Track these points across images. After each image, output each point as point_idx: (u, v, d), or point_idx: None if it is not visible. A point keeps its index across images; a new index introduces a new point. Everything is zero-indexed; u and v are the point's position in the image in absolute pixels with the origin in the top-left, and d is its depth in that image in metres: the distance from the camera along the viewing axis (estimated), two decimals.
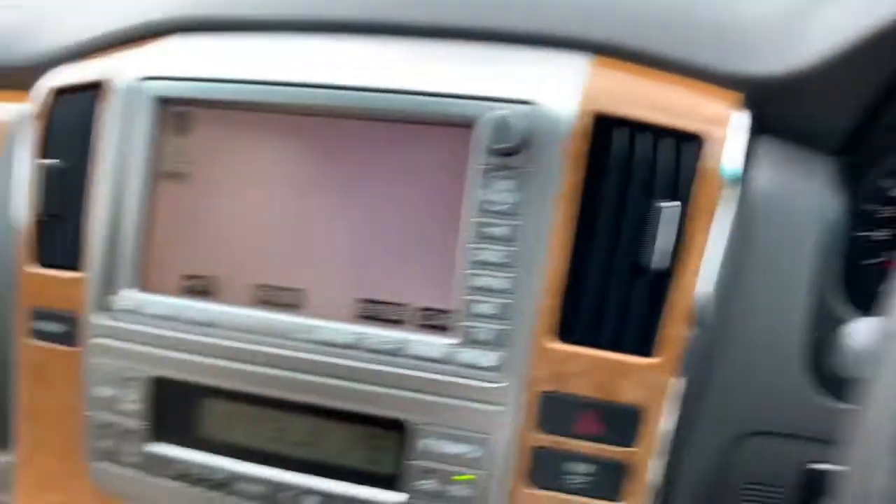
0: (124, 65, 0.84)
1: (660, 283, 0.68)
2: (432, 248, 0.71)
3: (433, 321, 0.71)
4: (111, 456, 0.80)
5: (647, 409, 0.67)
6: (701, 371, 0.68)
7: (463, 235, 0.70)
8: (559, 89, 0.70)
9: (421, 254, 0.72)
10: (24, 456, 0.89)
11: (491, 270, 0.69)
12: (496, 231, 0.69)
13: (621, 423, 0.68)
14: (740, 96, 0.72)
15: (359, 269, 0.74)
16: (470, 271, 0.69)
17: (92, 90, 0.86)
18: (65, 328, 0.83)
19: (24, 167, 0.88)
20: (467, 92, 0.71)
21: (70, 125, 0.86)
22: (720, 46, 0.75)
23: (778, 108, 0.73)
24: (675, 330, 0.67)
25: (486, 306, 0.69)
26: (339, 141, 0.74)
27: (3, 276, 0.90)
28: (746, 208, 0.69)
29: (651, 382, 0.67)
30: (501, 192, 0.69)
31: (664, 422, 0.67)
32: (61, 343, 0.83)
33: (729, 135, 0.68)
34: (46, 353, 0.84)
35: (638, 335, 0.68)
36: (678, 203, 0.67)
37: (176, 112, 0.80)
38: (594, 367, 0.68)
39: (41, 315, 0.84)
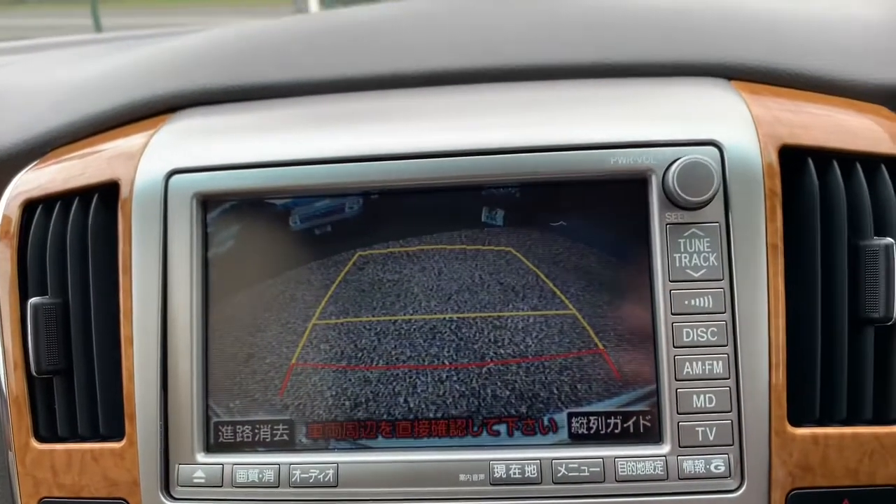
0: (125, 159, 0.63)
1: (888, 336, 0.58)
2: (619, 333, 0.57)
3: (637, 427, 0.57)
4: None
5: None
6: None
7: (660, 311, 0.56)
8: (734, 124, 0.59)
9: (607, 343, 0.57)
10: None
11: (702, 352, 0.56)
12: (701, 302, 0.56)
13: None
14: (885, 109, 0.65)
15: (520, 373, 0.58)
16: (677, 356, 0.56)
17: (82, 196, 0.64)
18: None
19: (4, 309, 0.64)
20: (632, 139, 0.58)
21: (58, 245, 0.64)
22: (854, 57, 0.67)
23: None
24: None
25: (704, 398, 0.56)
26: (470, 215, 0.59)
27: None
28: None
29: None
30: (697, 253, 0.56)
31: None
32: None
33: None
34: None
35: (877, 401, 0.57)
36: (891, 239, 0.57)
37: (224, 211, 0.61)
38: (843, 450, 0.56)
39: None
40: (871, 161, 0.59)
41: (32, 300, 0.62)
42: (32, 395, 0.63)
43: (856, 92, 0.66)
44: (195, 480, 0.58)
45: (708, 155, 0.56)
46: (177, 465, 0.59)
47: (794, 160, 0.59)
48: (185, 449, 0.59)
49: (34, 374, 0.62)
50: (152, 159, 0.63)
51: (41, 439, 0.62)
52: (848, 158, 0.59)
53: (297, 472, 0.57)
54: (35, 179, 0.67)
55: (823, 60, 0.67)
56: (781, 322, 0.56)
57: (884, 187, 0.59)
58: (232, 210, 0.61)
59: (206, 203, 0.61)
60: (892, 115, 0.64)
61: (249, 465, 0.58)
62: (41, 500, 0.61)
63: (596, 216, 0.58)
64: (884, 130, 0.61)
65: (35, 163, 0.70)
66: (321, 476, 0.57)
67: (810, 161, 0.58)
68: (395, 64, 0.67)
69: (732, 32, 0.67)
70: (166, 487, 0.59)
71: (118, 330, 0.61)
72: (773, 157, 0.58)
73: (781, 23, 0.69)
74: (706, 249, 0.56)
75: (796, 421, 0.56)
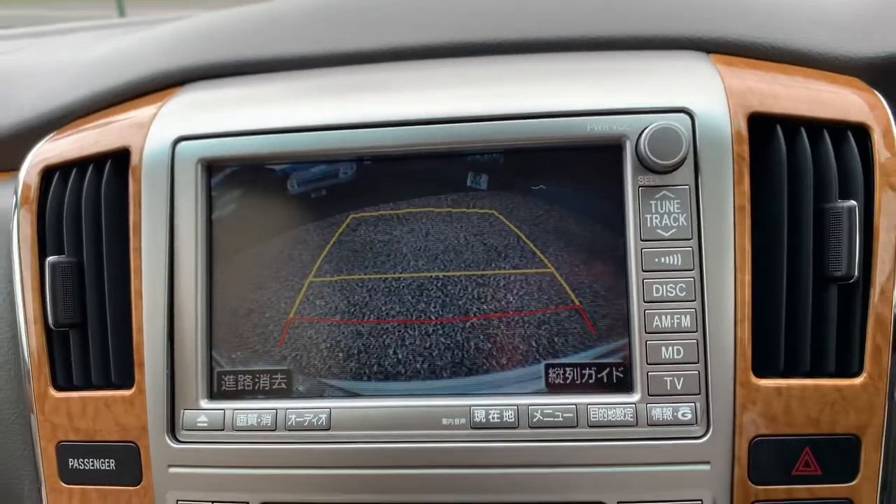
0: (135, 128, 0.68)
1: (851, 294, 0.60)
2: (595, 290, 0.61)
3: (610, 377, 0.60)
4: None
5: (864, 435, 0.59)
6: None
7: (632, 269, 0.60)
8: (706, 92, 0.62)
9: (583, 299, 0.61)
10: None
11: (671, 306, 0.59)
12: (670, 259, 0.59)
13: (841, 456, 0.59)
14: (858, 80, 0.67)
15: (501, 327, 0.62)
16: (647, 310, 0.59)
17: (97, 163, 0.69)
18: (118, 463, 0.64)
19: (25, 267, 0.69)
20: (607, 106, 0.61)
21: (74, 208, 0.68)
22: (830, 31, 0.70)
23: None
24: (878, 343, 0.59)
25: (672, 350, 0.59)
26: (456, 180, 0.63)
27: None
28: None
29: (865, 405, 0.59)
30: (668, 214, 0.60)
31: (882, 446, 0.60)
32: (116, 483, 0.65)
33: (891, 122, 0.62)
34: (95, 499, 0.65)
35: (840, 355, 0.60)
36: (854, 202, 0.60)
37: (227, 175, 0.65)
38: (805, 400, 0.59)
39: (76, 451, 0.66)
40: (839, 129, 0.62)
41: (50, 259, 0.67)
42: (50, 347, 0.68)
43: (831, 64, 0.69)
44: (199, 424, 0.63)
45: (679, 121, 0.60)
46: (182, 411, 0.63)
47: (766, 128, 0.62)
48: (190, 396, 0.63)
49: (52, 327, 0.67)
50: (161, 128, 0.67)
51: (58, 388, 0.67)
52: (816, 126, 0.62)
53: (293, 417, 0.62)
54: (53, 149, 0.71)
55: (800, 35, 0.69)
56: (747, 278, 0.59)
57: (849, 153, 0.61)
58: (234, 175, 0.65)
59: (211, 168, 0.65)
60: (864, 86, 0.66)
61: (249, 411, 0.62)
62: (59, 443, 0.66)
63: (574, 180, 0.62)
64: (853, 100, 0.63)
65: (53, 133, 0.74)
66: (315, 420, 0.61)
67: (779, 128, 0.61)
68: (386, 39, 0.71)
69: (713, 8, 0.70)
70: (172, 431, 0.63)
71: (129, 286, 0.65)
72: (742, 125, 0.61)
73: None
74: (676, 210, 0.60)
75: (762, 373, 0.60)
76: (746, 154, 0.60)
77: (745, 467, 0.59)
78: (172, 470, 0.63)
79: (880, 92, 0.65)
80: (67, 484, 0.66)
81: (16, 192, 0.71)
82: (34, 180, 0.70)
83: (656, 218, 0.60)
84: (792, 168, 0.61)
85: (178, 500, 0.63)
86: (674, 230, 0.60)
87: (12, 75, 0.85)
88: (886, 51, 0.68)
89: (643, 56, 0.68)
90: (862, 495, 0.59)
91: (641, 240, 0.60)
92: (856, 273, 0.59)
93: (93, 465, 0.65)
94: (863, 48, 0.68)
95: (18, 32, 1.26)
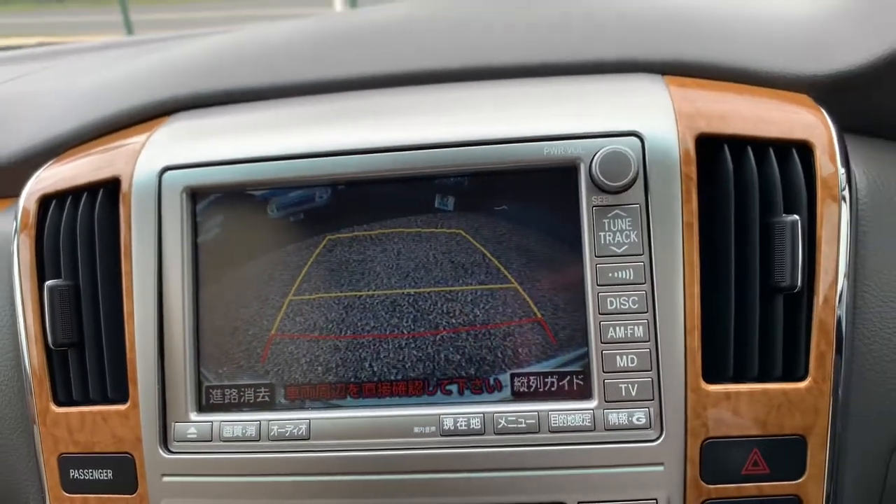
0: (125, 157, 0.72)
1: (796, 303, 0.64)
2: (555, 303, 0.65)
3: (571, 385, 0.64)
4: None
5: (810, 435, 0.63)
6: (848, 383, 0.65)
7: (588, 283, 0.64)
8: (654, 115, 0.66)
9: (545, 312, 0.65)
10: None
11: (625, 318, 0.63)
12: (623, 274, 0.63)
13: (788, 455, 0.63)
14: (807, 98, 0.71)
15: (469, 340, 0.66)
16: (602, 322, 0.63)
17: (90, 191, 0.73)
18: (115, 473, 0.69)
19: (25, 290, 0.73)
20: (562, 132, 0.65)
21: (70, 234, 0.73)
22: (779, 51, 0.74)
23: (845, 104, 0.71)
24: (822, 348, 0.63)
25: (626, 359, 0.63)
26: (424, 202, 0.67)
27: (4, 423, 0.76)
28: (856, 211, 0.67)
29: (810, 407, 0.63)
30: (620, 232, 0.64)
31: (827, 446, 0.63)
32: (114, 491, 0.69)
33: (833, 138, 0.66)
34: None
35: (786, 361, 0.64)
36: (797, 216, 0.63)
37: (210, 202, 0.69)
38: (753, 403, 0.63)
39: (76, 462, 0.70)
40: (784, 146, 0.66)
41: (49, 283, 0.71)
42: (50, 365, 0.72)
43: (781, 83, 0.72)
44: (189, 436, 0.67)
45: (629, 145, 0.63)
46: (173, 424, 0.68)
47: (715, 146, 0.66)
48: (180, 409, 0.68)
49: (51, 346, 0.71)
50: (148, 158, 0.71)
51: (59, 403, 0.72)
52: (762, 144, 0.66)
53: (275, 427, 0.66)
54: (50, 177, 0.76)
55: (751, 55, 0.73)
56: (696, 291, 0.63)
57: (793, 169, 0.65)
58: (217, 201, 0.70)
59: (195, 195, 0.70)
60: (811, 103, 0.70)
61: (235, 422, 0.67)
62: (60, 455, 0.71)
63: (533, 200, 0.66)
64: (797, 118, 0.67)
65: (51, 161, 0.79)
66: (295, 430, 0.66)
67: (726, 148, 0.65)
68: (358, 68, 0.75)
69: (667, 31, 0.74)
70: (164, 442, 0.68)
71: (121, 307, 0.70)
72: (690, 146, 0.65)
73: (714, 22, 0.75)
74: (628, 228, 0.64)
75: (712, 379, 0.63)
76: (694, 174, 0.64)
77: (698, 467, 0.63)
78: (166, 479, 0.67)
79: (827, 108, 0.69)
80: (69, 493, 0.71)
81: (16, 219, 0.76)
82: (32, 207, 0.75)
83: (609, 235, 0.64)
84: (739, 184, 0.65)
85: None
86: (626, 246, 0.63)
87: (11, 104, 0.90)
88: (833, 69, 0.71)
89: (600, 80, 0.72)
90: (808, 492, 0.63)
91: (596, 256, 0.64)
92: (799, 283, 0.63)
93: (92, 475, 0.70)
94: (810, 67, 0.72)
95: (20, 55, 1.31)
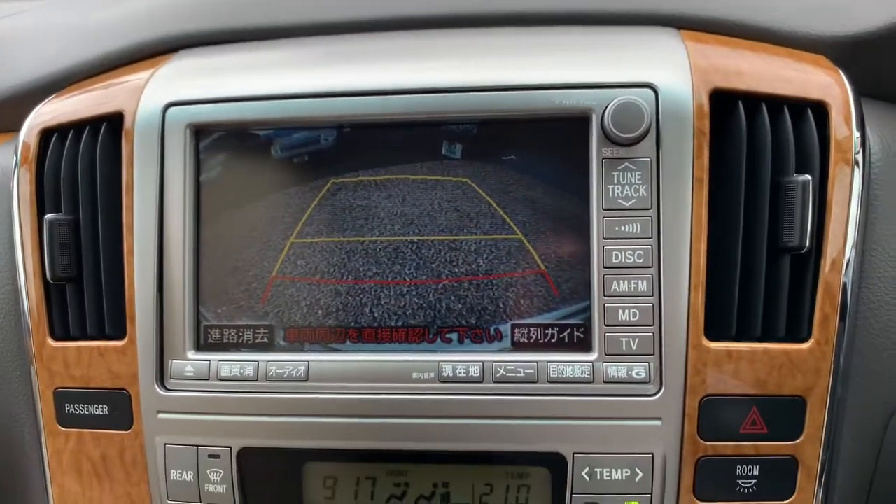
0: (129, 93, 0.71)
1: (803, 264, 0.64)
2: (559, 255, 0.64)
3: (571, 338, 0.64)
4: None
5: (809, 396, 0.63)
6: (850, 347, 0.64)
7: (593, 236, 0.63)
8: (670, 68, 0.65)
9: (549, 264, 0.64)
10: None
11: (629, 272, 0.63)
12: (630, 228, 0.63)
13: (787, 416, 0.63)
14: (824, 59, 0.70)
15: (471, 289, 0.65)
16: (606, 275, 0.63)
17: (92, 125, 0.72)
18: (111, 408, 0.69)
19: (24, 224, 0.73)
20: (576, 80, 0.64)
21: (71, 169, 0.72)
22: (799, 10, 0.72)
23: (863, 67, 0.70)
24: (826, 310, 0.63)
25: (629, 313, 0.63)
26: (432, 148, 0.66)
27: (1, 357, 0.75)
28: (868, 175, 0.66)
29: (812, 368, 0.63)
30: (629, 185, 0.63)
31: (826, 408, 0.63)
32: (109, 427, 0.69)
33: (850, 100, 0.65)
34: (89, 442, 0.70)
35: (790, 321, 0.64)
36: (808, 176, 0.63)
37: (214, 140, 0.68)
38: (754, 363, 0.63)
39: (72, 397, 0.70)
40: (799, 106, 0.65)
41: (48, 216, 0.70)
42: (48, 299, 0.72)
43: (798, 42, 0.71)
44: (186, 374, 0.67)
45: (642, 96, 0.62)
46: (170, 361, 0.67)
47: (729, 103, 0.65)
48: (178, 347, 0.67)
49: (50, 281, 0.71)
50: (152, 93, 0.70)
51: (56, 338, 0.71)
52: (777, 102, 0.65)
53: (273, 369, 0.66)
54: (51, 111, 0.75)
55: (769, 13, 0.72)
56: (703, 247, 0.62)
57: (808, 130, 0.64)
58: (221, 139, 0.68)
59: (199, 132, 0.69)
60: (828, 64, 0.69)
61: (232, 362, 0.66)
62: (56, 389, 0.71)
63: (543, 151, 0.65)
64: (813, 78, 0.66)
65: (52, 96, 0.78)
66: (294, 371, 0.65)
67: (740, 104, 0.64)
68: (370, 9, 0.74)
69: None
70: (161, 379, 0.68)
71: (122, 243, 0.69)
72: (704, 100, 0.63)
73: None
74: (637, 181, 0.63)
75: (714, 337, 0.63)
76: (707, 129, 0.63)
77: (695, 424, 0.63)
78: (161, 416, 0.67)
79: (844, 70, 0.68)
80: (64, 427, 0.71)
81: (16, 152, 0.74)
82: (33, 141, 0.74)
83: (618, 188, 0.63)
84: (751, 142, 0.64)
85: (165, 444, 0.67)
86: (634, 200, 0.63)
87: (11, 39, 0.88)
88: (853, 30, 0.70)
89: (616, 31, 0.70)
90: (805, 453, 0.63)
91: (603, 209, 0.63)
92: (807, 244, 0.62)
93: (87, 410, 0.69)
94: (830, 28, 0.71)
95: None
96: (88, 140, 0.72)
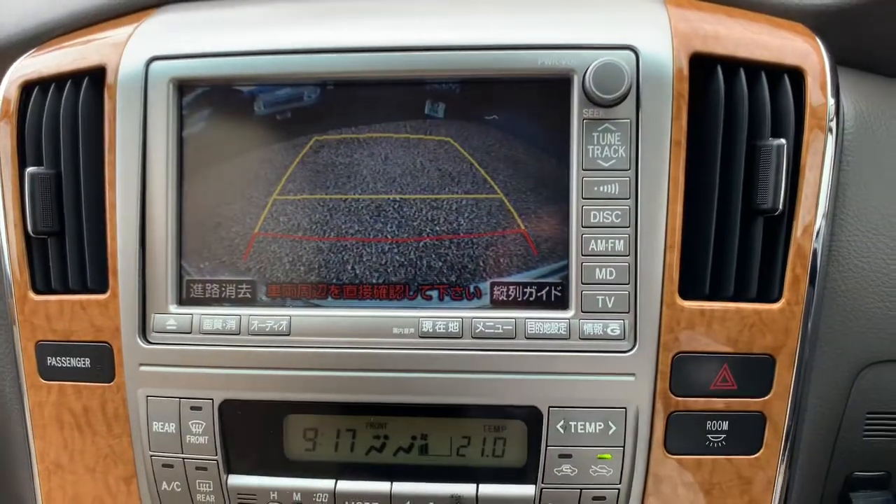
0: (112, 47, 0.71)
1: (776, 227, 0.65)
2: (539, 215, 0.65)
3: (549, 296, 0.65)
4: (182, 499, 0.69)
5: (778, 355, 0.65)
6: (819, 307, 0.66)
7: (572, 196, 0.64)
8: (651, 31, 0.65)
9: (528, 224, 0.65)
10: None
11: (606, 232, 0.64)
12: (608, 188, 0.64)
13: (756, 373, 0.65)
14: (802, 26, 0.71)
15: (452, 248, 0.66)
16: (584, 234, 0.64)
17: (74, 79, 0.72)
18: (93, 361, 0.69)
19: (5, 177, 0.72)
20: (558, 41, 0.65)
21: (52, 122, 0.72)
22: None
23: (843, 36, 0.71)
24: (797, 272, 0.65)
25: (605, 271, 0.64)
26: (415, 107, 0.67)
27: None
28: (841, 142, 0.68)
29: (781, 328, 0.64)
30: (609, 146, 0.64)
31: (794, 366, 0.65)
32: (91, 380, 0.70)
33: (826, 67, 0.66)
34: (71, 394, 0.71)
35: (762, 282, 0.65)
36: (783, 140, 0.64)
37: (197, 95, 0.68)
38: (725, 321, 0.64)
39: (54, 350, 0.71)
40: (776, 71, 0.66)
41: (29, 169, 0.70)
42: (30, 253, 0.72)
43: (778, 10, 0.72)
44: (168, 327, 0.68)
45: (623, 58, 0.63)
46: (153, 315, 0.68)
47: (708, 67, 0.66)
48: (161, 301, 0.68)
49: (31, 234, 0.71)
50: (136, 47, 0.70)
51: (37, 291, 0.72)
52: (755, 67, 0.66)
53: (256, 322, 0.66)
54: (32, 64, 0.74)
55: None
56: (679, 208, 0.64)
57: (784, 95, 0.65)
58: (205, 95, 0.69)
59: (182, 87, 0.69)
60: (807, 31, 0.70)
61: (215, 316, 0.67)
62: (37, 342, 0.71)
63: (524, 111, 0.66)
64: (791, 45, 0.67)
65: (33, 50, 0.77)
66: (276, 325, 0.66)
67: (719, 68, 0.65)
68: None
69: None
70: (143, 333, 0.68)
71: (104, 197, 0.69)
72: (684, 63, 0.64)
73: None
74: (616, 143, 0.64)
75: (688, 296, 0.65)
76: (686, 92, 0.64)
77: (668, 380, 0.64)
78: (143, 368, 0.68)
79: (822, 39, 0.69)
80: (46, 380, 0.71)
81: None
82: (14, 94, 0.73)
83: (598, 149, 0.64)
84: (729, 106, 0.65)
85: (147, 396, 0.68)
86: (613, 161, 0.64)
87: None
88: (832, 1, 0.71)
89: None
90: (773, 409, 0.65)
91: (583, 169, 0.64)
92: (780, 206, 0.64)
93: (69, 363, 0.70)
94: None
95: None
96: (70, 94, 0.71)
